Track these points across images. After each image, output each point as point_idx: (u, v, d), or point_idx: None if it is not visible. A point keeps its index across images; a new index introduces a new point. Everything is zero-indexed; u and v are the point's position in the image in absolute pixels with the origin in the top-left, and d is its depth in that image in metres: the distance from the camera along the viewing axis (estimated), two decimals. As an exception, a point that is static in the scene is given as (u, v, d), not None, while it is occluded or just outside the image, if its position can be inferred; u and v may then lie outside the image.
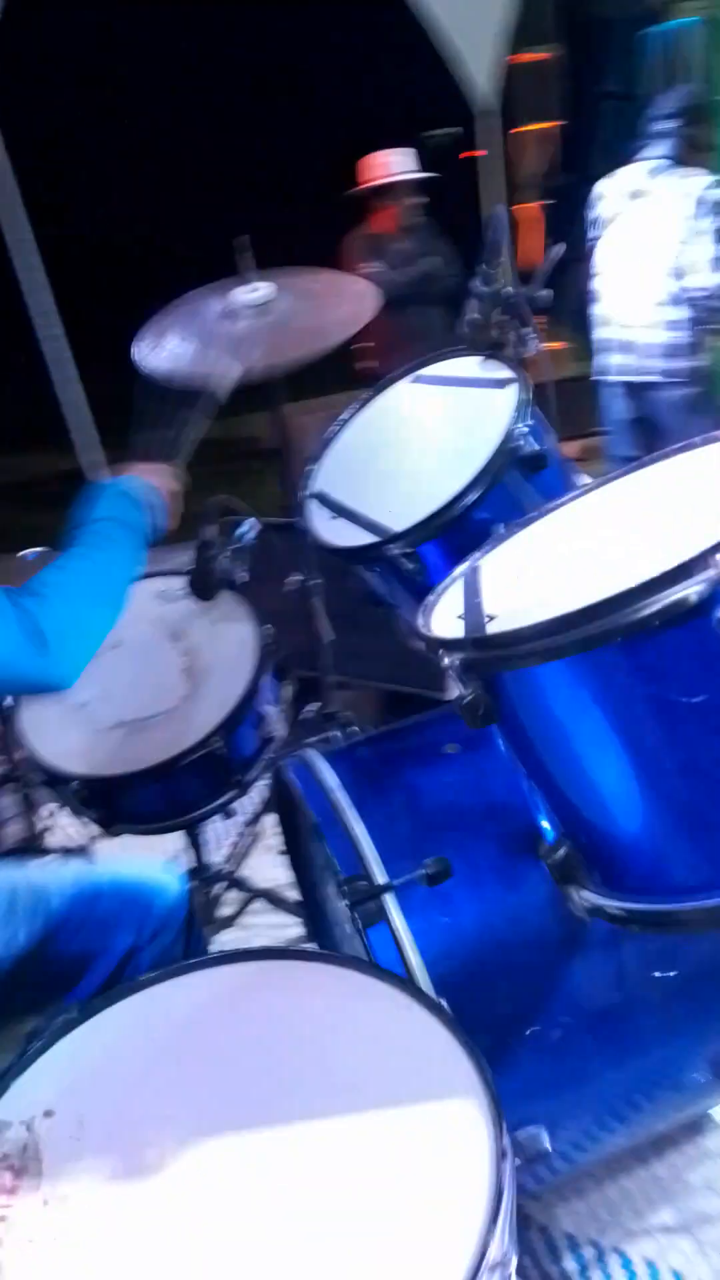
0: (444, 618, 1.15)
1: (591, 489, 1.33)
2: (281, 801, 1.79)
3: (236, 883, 2.27)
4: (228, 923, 2.21)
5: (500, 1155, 0.93)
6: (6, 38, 4.91)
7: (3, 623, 1.19)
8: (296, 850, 1.83)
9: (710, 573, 0.89)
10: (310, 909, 1.89)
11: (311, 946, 1.85)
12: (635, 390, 3.96)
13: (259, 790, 2.04)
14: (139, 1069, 1.12)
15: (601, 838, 1.07)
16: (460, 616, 1.11)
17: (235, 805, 1.93)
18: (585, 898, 1.12)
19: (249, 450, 5.70)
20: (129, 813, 1.85)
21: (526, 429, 1.52)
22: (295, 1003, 1.17)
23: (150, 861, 1.59)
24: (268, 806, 2.21)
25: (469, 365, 1.74)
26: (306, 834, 1.62)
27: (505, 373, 1.64)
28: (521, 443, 1.51)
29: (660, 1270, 1.60)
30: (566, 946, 1.32)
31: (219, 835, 2.49)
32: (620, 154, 6.85)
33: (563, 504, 1.35)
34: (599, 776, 1.03)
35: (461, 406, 1.69)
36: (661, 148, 3.70)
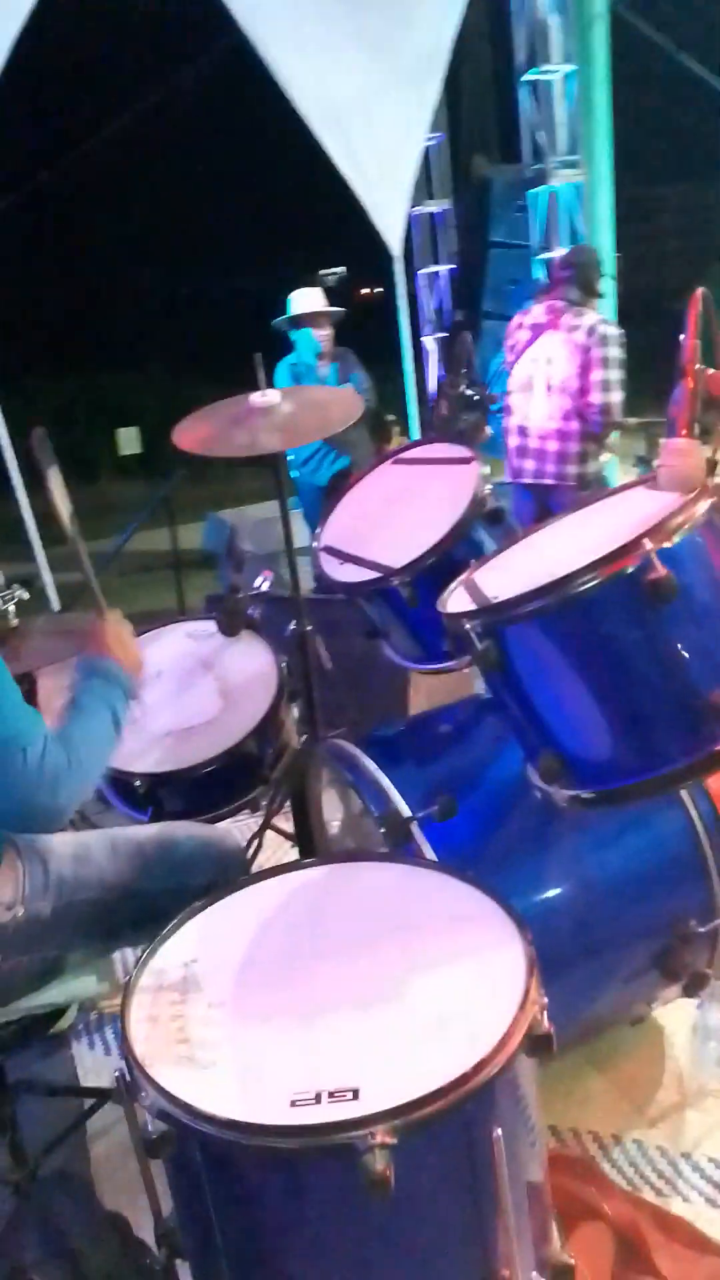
0: (458, 606, 1.67)
1: (539, 529, 1.89)
2: (299, 792, 2.25)
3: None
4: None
5: (528, 942, 1.39)
6: None
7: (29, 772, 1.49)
8: (306, 826, 2.27)
9: (635, 556, 1.44)
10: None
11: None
12: (537, 492, 4.67)
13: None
14: (252, 931, 1.55)
15: (572, 743, 1.58)
16: (472, 602, 1.62)
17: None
18: (563, 792, 1.61)
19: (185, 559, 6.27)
20: (177, 810, 2.26)
21: (489, 491, 2.08)
22: (364, 883, 1.62)
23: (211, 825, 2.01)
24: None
25: (437, 450, 2.31)
26: (335, 796, 2.08)
27: (467, 452, 2.21)
28: (487, 501, 2.07)
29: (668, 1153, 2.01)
30: (542, 855, 1.82)
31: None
32: (507, 294, 7.78)
33: (521, 538, 1.90)
34: (569, 698, 1.55)
35: (435, 478, 2.25)
36: (560, 291, 4.48)
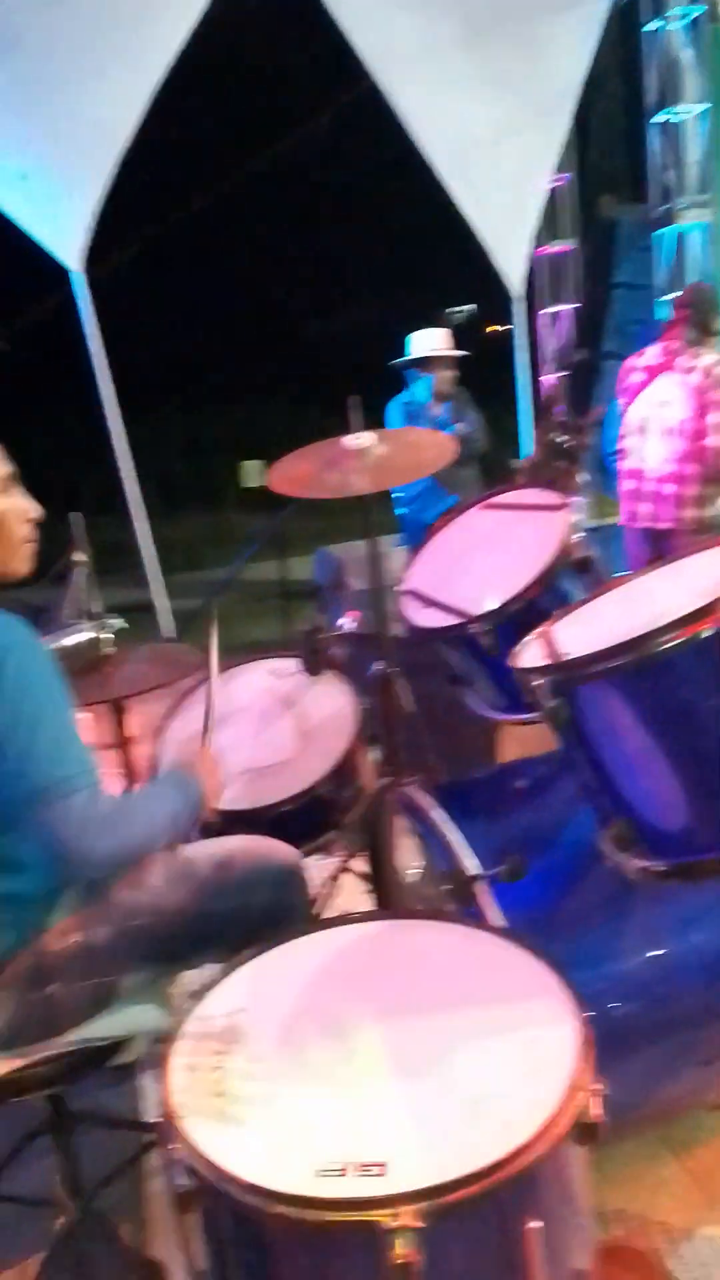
0: (530, 660, 1.62)
1: (625, 581, 1.82)
2: (373, 838, 2.21)
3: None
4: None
5: (584, 1021, 1.32)
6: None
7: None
8: (381, 873, 2.23)
9: (713, 618, 1.36)
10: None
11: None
12: (652, 536, 4.54)
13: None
14: (302, 984, 1.52)
15: (644, 812, 1.50)
16: (545, 658, 1.57)
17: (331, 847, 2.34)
18: (634, 862, 1.53)
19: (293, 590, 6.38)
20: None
21: (580, 538, 2.02)
22: (419, 943, 1.57)
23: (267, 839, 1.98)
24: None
25: (528, 495, 2.26)
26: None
27: (558, 499, 2.16)
28: (576, 550, 2.01)
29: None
30: (615, 925, 1.73)
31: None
32: (631, 335, 7.68)
33: (607, 590, 1.83)
34: (641, 764, 1.47)
35: (524, 524, 2.20)
36: (677, 331, 4.38)
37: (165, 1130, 1.29)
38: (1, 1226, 2.05)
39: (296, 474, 2.43)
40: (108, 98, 5.67)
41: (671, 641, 1.37)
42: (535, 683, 1.50)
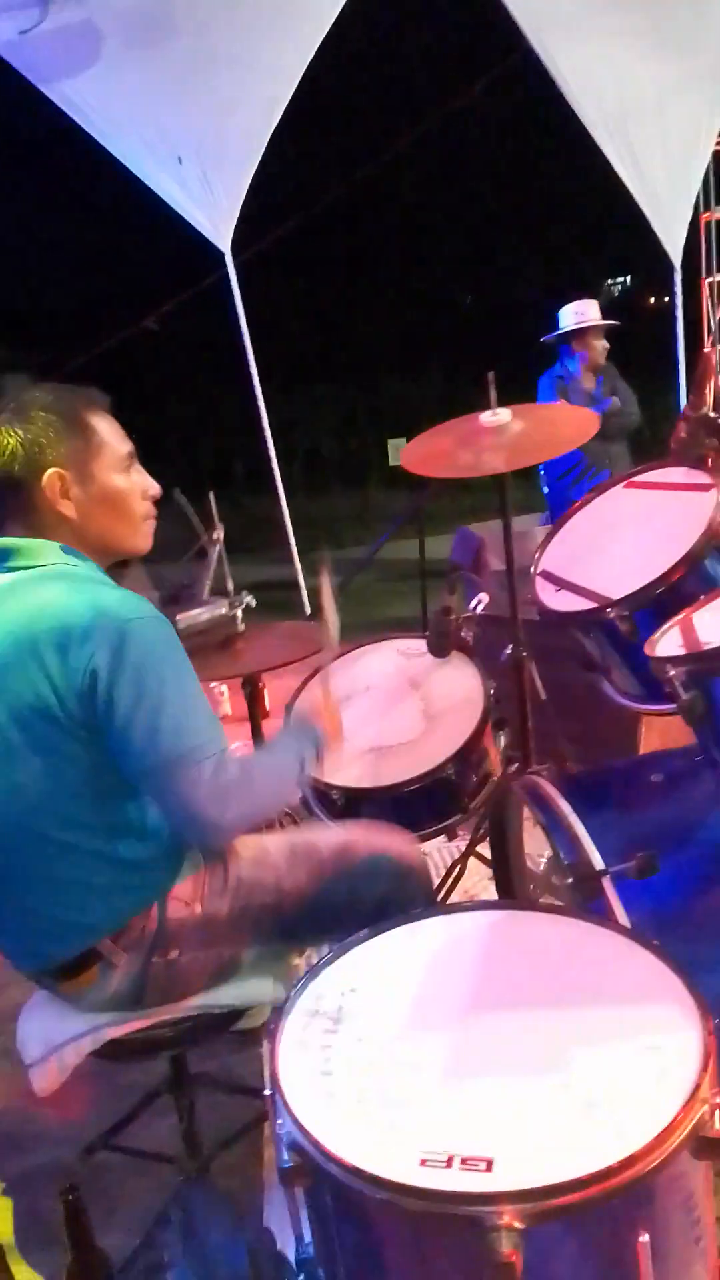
0: (667, 648, 1.54)
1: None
2: (498, 825, 2.17)
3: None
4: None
5: (709, 1031, 1.25)
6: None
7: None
8: (505, 861, 2.19)
9: None
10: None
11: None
12: None
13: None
14: (417, 969, 1.50)
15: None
16: (683, 646, 1.49)
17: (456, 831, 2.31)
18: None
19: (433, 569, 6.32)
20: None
21: (726, 522, 1.90)
22: (540, 936, 1.52)
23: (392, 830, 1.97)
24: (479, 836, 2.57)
25: (674, 474, 2.15)
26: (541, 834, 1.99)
27: (707, 479, 2.04)
28: (722, 533, 1.89)
29: None
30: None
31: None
32: None
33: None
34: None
35: (669, 505, 2.10)
36: None
37: (272, 1105, 1.30)
38: (121, 1179, 2.12)
39: (431, 453, 2.40)
40: (260, 79, 5.72)
41: None
42: (671, 672, 1.43)
